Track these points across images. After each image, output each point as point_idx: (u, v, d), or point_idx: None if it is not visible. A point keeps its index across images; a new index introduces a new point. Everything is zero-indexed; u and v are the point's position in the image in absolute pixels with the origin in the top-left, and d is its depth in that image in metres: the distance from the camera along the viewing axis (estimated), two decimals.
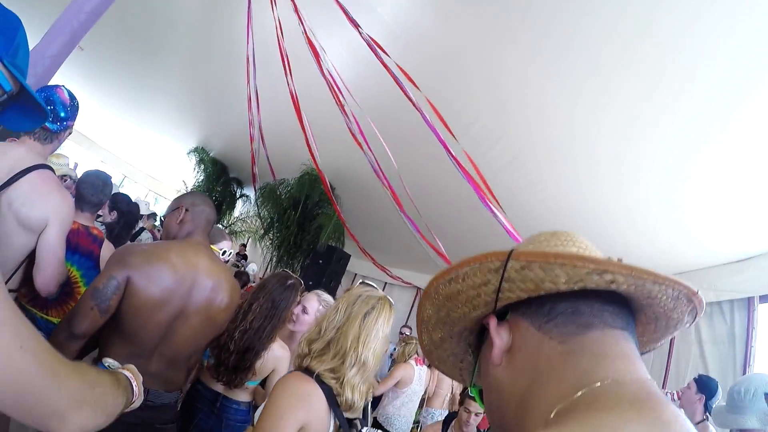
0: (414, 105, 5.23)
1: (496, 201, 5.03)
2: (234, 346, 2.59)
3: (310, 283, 8.78)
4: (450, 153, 5.21)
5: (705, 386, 3.89)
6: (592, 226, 5.69)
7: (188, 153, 12.63)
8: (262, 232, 11.21)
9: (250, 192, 12.83)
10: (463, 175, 5.19)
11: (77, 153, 13.36)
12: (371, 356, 1.77)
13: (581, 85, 4.48)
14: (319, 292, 3.10)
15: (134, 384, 1.23)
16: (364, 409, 1.87)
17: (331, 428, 1.68)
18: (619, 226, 5.58)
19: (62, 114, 2.24)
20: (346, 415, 1.74)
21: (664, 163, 4.64)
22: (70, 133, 2.40)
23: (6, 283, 2.18)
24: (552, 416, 0.58)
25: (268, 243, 10.99)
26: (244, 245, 13.52)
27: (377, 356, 1.80)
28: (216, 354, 2.66)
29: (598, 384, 0.58)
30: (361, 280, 2.04)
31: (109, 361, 1.54)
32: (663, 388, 5.48)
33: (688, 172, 4.60)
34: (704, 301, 0.67)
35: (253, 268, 10.41)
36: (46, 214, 2.14)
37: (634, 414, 0.52)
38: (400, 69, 5.12)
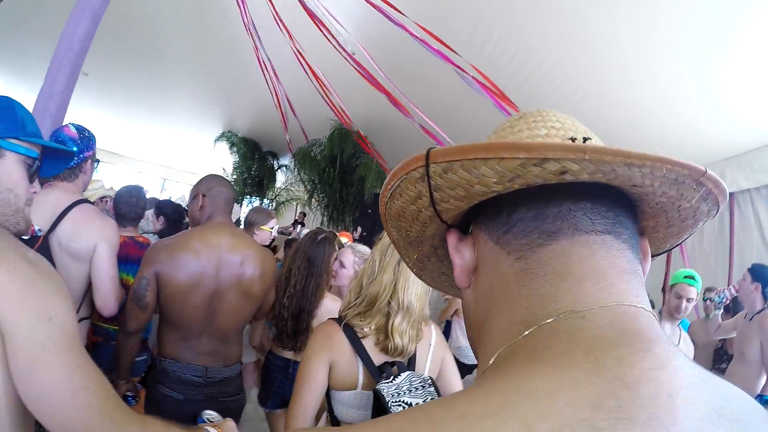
0: (413, 35, 5.21)
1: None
2: (287, 313, 2.77)
3: (365, 234, 8.98)
4: (461, 69, 5.19)
5: (759, 275, 3.86)
6: (628, 121, 5.42)
7: (215, 141, 12.79)
8: (307, 196, 11.36)
9: (287, 161, 12.96)
10: (483, 90, 5.16)
11: (114, 171, 13.84)
12: (414, 299, 1.79)
13: None
14: (354, 244, 3.17)
15: None
16: (412, 357, 1.87)
17: (361, 371, 1.72)
18: (656, 117, 5.30)
19: (74, 149, 2.39)
20: (394, 359, 1.77)
21: (696, 42, 4.32)
22: (93, 162, 2.56)
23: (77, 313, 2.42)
24: (492, 361, 0.48)
25: (315, 205, 11.18)
26: (304, 214, 13.70)
27: (420, 298, 1.82)
28: (275, 324, 2.86)
29: (551, 320, 0.45)
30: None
31: (207, 414, 1.66)
32: (729, 282, 5.28)
33: (723, 48, 4.24)
34: (720, 181, 0.49)
35: (303, 233, 10.58)
36: (94, 241, 2.33)
37: (584, 370, 0.38)
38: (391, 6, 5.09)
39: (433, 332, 1.96)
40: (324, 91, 7.41)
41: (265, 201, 14.45)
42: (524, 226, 0.51)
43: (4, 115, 1.16)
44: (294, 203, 14.09)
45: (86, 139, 2.48)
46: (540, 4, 4.79)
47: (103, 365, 1.14)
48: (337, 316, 1.87)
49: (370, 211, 9.59)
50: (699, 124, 5.15)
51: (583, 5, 4.51)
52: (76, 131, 2.45)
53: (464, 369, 4.75)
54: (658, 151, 0.44)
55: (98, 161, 2.65)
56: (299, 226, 12.33)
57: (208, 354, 2.37)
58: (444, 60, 5.21)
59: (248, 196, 13.96)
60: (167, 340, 2.35)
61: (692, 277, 3.46)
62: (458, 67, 5.21)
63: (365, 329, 1.75)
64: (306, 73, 7.30)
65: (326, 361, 1.70)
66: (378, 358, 1.74)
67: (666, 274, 5.82)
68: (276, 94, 8.62)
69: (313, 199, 11.12)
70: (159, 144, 14.21)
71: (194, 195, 2.51)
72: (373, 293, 1.77)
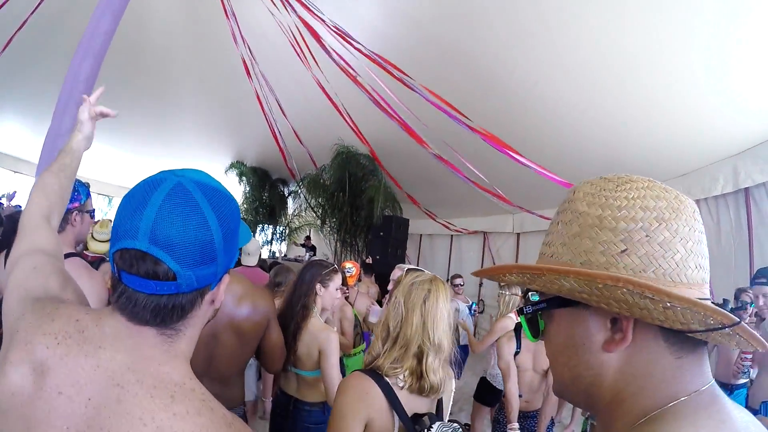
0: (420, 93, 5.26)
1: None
2: None
3: (378, 257, 8.90)
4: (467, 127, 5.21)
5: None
6: (638, 118, 5.40)
7: (225, 171, 12.94)
8: (320, 222, 11.40)
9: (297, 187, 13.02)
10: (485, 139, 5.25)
11: None
12: (444, 338, 1.80)
13: None
14: (403, 265, 3.08)
15: None
16: (438, 402, 1.88)
17: (396, 425, 1.70)
18: (667, 112, 5.20)
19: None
20: (427, 409, 1.79)
21: (706, 31, 4.21)
22: (83, 213, 2.48)
23: None
24: (643, 420, 0.66)
25: (328, 230, 11.21)
26: (308, 237, 13.79)
27: (447, 335, 1.83)
28: None
29: (685, 398, 0.66)
30: (407, 268, 2.08)
31: None
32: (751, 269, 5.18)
33: (734, 34, 4.14)
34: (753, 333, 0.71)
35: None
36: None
37: (709, 421, 0.63)
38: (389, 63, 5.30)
39: (453, 378, 1.98)
40: (337, 110, 7.45)
41: (278, 228, 14.52)
42: (685, 336, 0.69)
43: (234, 247, 0.97)
44: (307, 229, 14.13)
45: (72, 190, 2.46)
46: (542, 9, 4.82)
47: None
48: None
49: (381, 233, 9.49)
50: (710, 117, 5.05)
51: (588, 4, 4.51)
52: None
53: (496, 394, 4.62)
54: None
55: (93, 211, 2.59)
56: (309, 250, 12.37)
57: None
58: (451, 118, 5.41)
59: (261, 224, 14.03)
60: None
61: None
62: (464, 124, 5.35)
63: (400, 377, 1.73)
64: (312, 95, 7.38)
65: (363, 420, 1.66)
66: (410, 405, 1.72)
67: None
68: (271, 127, 8.70)
69: (325, 224, 11.14)
70: None
71: None
72: (408, 335, 1.77)
